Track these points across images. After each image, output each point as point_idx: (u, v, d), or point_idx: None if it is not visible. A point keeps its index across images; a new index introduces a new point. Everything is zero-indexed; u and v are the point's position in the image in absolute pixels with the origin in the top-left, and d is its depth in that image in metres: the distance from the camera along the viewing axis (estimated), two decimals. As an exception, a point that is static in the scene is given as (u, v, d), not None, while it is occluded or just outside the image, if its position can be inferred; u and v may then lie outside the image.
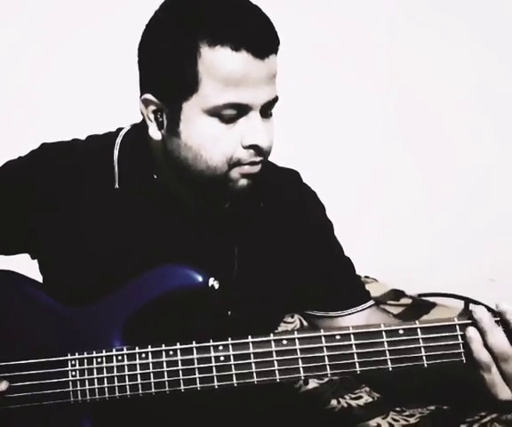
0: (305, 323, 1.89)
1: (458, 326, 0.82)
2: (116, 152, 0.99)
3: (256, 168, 0.91)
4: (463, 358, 0.82)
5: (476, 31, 2.05)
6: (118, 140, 1.00)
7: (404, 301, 2.16)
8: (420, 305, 2.12)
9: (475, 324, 0.81)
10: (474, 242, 2.12)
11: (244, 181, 0.91)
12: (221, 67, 0.84)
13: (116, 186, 0.97)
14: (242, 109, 0.87)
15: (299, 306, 1.10)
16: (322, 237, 1.07)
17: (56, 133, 1.66)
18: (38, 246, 1.02)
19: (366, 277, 2.36)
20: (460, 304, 2.12)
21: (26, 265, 1.07)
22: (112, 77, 1.80)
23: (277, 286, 1.03)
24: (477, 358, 0.80)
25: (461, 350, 0.81)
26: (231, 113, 0.86)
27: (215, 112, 0.86)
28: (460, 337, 0.82)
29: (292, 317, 1.89)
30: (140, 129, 0.98)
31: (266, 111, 0.90)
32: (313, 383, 1.57)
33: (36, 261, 1.05)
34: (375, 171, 2.45)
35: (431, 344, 0.82)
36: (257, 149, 0.89)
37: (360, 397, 1.58)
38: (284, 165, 1.10)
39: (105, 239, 0.98)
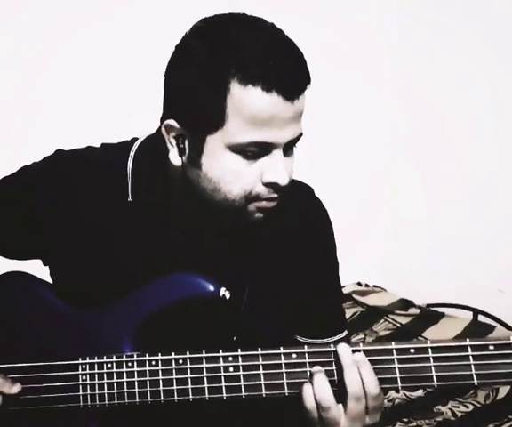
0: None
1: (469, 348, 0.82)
2: (129, 164, 0.98)
3: (273, 204, 0.90)
4: (474, 381, 0.81)
5: (486, 36, 2.05)
6: (132, 151, 0.99)
7: (412, 311, 2.16)
8: (429, 315, 2.11)
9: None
10: (483, 252, 2.11)
11: (259, 215, 0.91)
12: (250, 106, 0.83)
13: (130, 199, 0.97)
14: (265, 148, 0.86)
15: (289, 329, 1.09)
16: (328, 263, 1.07)
17: (55, 133, 1.68)
18: (50, 253, 1.02)
19: (375, 286, 2.35)
20: (469, 315, 2.12)
21: (38, 268, 1.08)
22: (112, 78, 1.81)
23: (286, 309, 1.03)
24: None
25: (472, 372, 0.81)
26: (254, 150, 0.86)
27: (239, 149, 0.85)
28: (471, 358, 0.81)
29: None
30: (155, 143, 0.96)
31: (289, 147, 0.89)
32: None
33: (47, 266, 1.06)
34: (383, 180, 2.45)
35: (442, 364, 0.82)
36: (276, 186, 0.88)
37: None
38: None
39: (116, 250, 0.98)
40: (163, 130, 0.90)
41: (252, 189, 0.88)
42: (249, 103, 0.83)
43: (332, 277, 1.08)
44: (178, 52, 0.89)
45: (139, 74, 1.81)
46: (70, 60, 1.81)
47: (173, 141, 0.90)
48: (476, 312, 2.11)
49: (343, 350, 0.83)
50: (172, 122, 0.89)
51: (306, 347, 0.85)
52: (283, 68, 0.83)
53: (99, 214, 0.98)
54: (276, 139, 0.85)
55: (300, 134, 0.90)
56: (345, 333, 1.07)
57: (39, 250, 1.04)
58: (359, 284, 2.34)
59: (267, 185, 0.88)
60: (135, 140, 1.02)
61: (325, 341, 1.05)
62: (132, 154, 0.99)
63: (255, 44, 0.84)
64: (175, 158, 0.91)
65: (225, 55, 0.83)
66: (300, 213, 1.04)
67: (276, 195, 0.89)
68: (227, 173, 0.86)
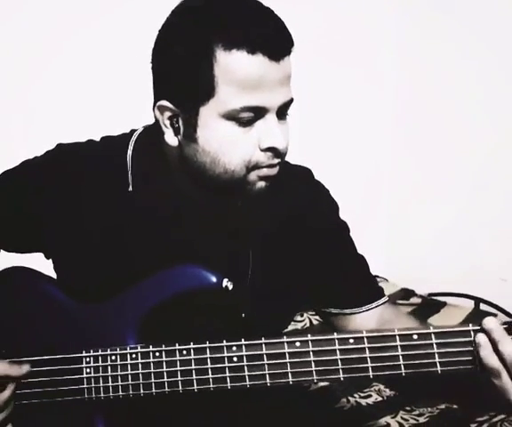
0: (314, 322, 1.90)
1: (472, 333, 0.82)
2: (128, 155, 0.99)
3: (274, 170, 0.91)
4: (477, 365, 0.82)
5: (488, 37, 2.04)
6: (131, 142, 1.00)
7: (414, 300, 2.16)
8: (431, 305, 2.11)
9: (485, 332, 0.81)
10: (485, 241, 2.11)
11: (261, 184, 0.91)
12: (237, 70, 0.84)
13: (130, 189, 0.98)
14: (258, 112, 0.87)
15: (314, 304, 1.11)
16: (336, 236, 1.07)
17: (55, 132, 1.67)
18: (52, 247, 1.03)
19: (376, 276, 2.35)
20: (471, 304, 2.12)
21: (40, 262, 1.08)
22: (111, 78, 1.80)
23: (292, 286, 1.03)
24: (488, 365, 0.80)
25: (475, 357, 0.81)
26: (248, 116, 0.86)
27: (232, 116, 0.86)
28: (473, 344, 0.82)
29: (302, 315, 1.89)
30: (152, 131, 0.97)
31: (282, 113, 0.90)
32: (322, 382, 1.58)
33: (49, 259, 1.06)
34: (384, 170, 2.45)
35: (445, 350, 0.82)
36: (275, 151, 0.89)
37: (369, 395, 1.59)
38: (293, 162, 1.09)
39: (118, 241, 0.98)
40: (156, 113, 0.91)
41: (251, 157, 0.88)
42: (236, 68, 0.84)
43: (349, 247, 1.09)
44: (161, 33, 0.90)
45: (138, 73, 1.81)
46: (70, 59, 1.80)
47: (167, 122, 0.91)
48: (478, 301, 2.11)
49: (491, 322, 0.81)
50: (163, 102, 0.89)
51: (309, 335, 0.85)
52: (265, 30, 0.85)
53: (100, 207, 0.98)
54: (267, 102, 0.86)
55: (291, 99, 0.90)
56: (383, 299, 1.07)
57: (41, 244, 1.04)
58: (361, 274, 2.35)
59: (265, 151, 0.88)
60: (134, 131, 1.03)
61: (363, 309, 1.05)
62: (131, 145, 1.00)
63: (236, 11, 0.85)
64: (171, 139, 0.91)
65: (207, 25, 0.85)
66: (300, 192, 1.05)
67: (276, 160, 0.90)
68: (223, 143, 0.87)
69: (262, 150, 0.88)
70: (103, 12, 1.81)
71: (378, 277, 2.35)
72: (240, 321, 0.97)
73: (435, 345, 0.82)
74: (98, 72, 1.81)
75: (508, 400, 0.80)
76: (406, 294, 2.20)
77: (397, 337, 0.83)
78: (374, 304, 1.06)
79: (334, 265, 1.05)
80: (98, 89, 1.80)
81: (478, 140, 2.11)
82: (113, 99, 1.80)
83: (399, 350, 0.83)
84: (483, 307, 2.10)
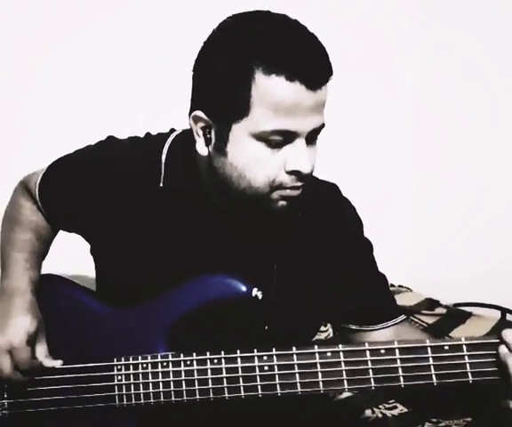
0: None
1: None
2: (164, 154, 1.02)
3: (297, 192, 0.93)
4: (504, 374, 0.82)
5: (505, 50, 2.03)
6: (167, 143, 1.03)
7: (438, 310, 2.13)
8: (456, 315, 2.08)
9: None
10: (511, 250, 2.09)
11: (283, 203, 0.93)
12: (274, 95, 0.85)
13: (161, 185, 1.00)
14: (289, 136, 0.88)
15: (334, 320, 1.13)
16: (360, 254, 1.08)
17: (54, 134, 1.69)
18: (93, 237, 1.07)
19: (400, 286, 2.34)
20: (497, 314, 2.09)
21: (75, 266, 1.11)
22: (110, 78, 1.82)
23: (315, 300, 1.04)
24: None
25: (501, 367, 0.82)
26: (278, 139, 0.88)
27: (263, 137, 0.88)
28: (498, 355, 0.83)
29: (325, 326, 1.89)
30: (187, 136, 1.00)
31: (312, 137, 0.91)
32: (347, 393, 1.56)
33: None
34: (407, 180, 2.43)
35: (476, 361, 0.82)
36: (299, 174, 0.90)
37: (395, 407, 1.58)
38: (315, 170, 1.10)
39: (147, 238, 1.01)
40: (190, 121, 0.94)
41: (276, 177, 0.90)
42: (273, 92, 0.85)
43: (370, 265, 1.10)
44: (206, 46, 0.92)
45: (140, 74, 1.83)
46: (70, 59, 1.81)
47: (200, 132, 0.93)
48: (505, 311, 2.08)
49: (509, 335, 0.83)
50: (199, 113, 0.92)
51: (340, 346, 0.86)
52: (305, 58, 0.86)
53: (134, 202, 1.01)
54: (298, 127, 0.88)
55: (323, 125, 0.92)
56: (400, 317, 1.09)
57: (85, 232, 1.08)
58: (384, 284, 2.34)
59: (290, 173, 0.90)
60: (173, 131, 1.06)
61: (379, 326, 1.07)
62: (167, 145, 1.03)
63: (279, 35, 0.87)
64: (202, 148, 0.94)
65: (250, 46, 0.86)
66: (327, 208, 1.06)
67: (299, 183, 0.92)
68: (251, 161, 0.89)
69: (287, 172, 0.90)
70: (103, 12, 1.82)
71: (402, 286, 2.34)
72: (262, 333, 0.97)
73: (466, 356, 0.82)
74: (97, 73, 1.82)
75: None
76: (431, 304, 2.17)
77: (429, 348, 0.83)
78: (391, 322, 1.08)
79: (357, 283, 1.07)
80: (100, 89, 1.82)
81: (505, 147, 2.09)
82: (115, 98, 1.81)
83: (430, 360, 0.83)
84: (509, 317, 2.07)
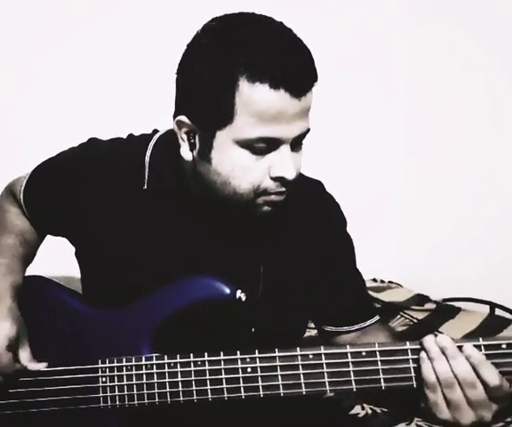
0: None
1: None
2: (147, 155, 1.02)
3: (281, 197, 0.93)
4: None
5: (498, 43, 2.04)
6: (150, 145, 1.03)
7: (428, 306, 2.15)
8: (445, 311, 2.10)
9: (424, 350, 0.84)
10: (500, 245, 2.09)
11: (267, 208, 0.93)
12: (258, 103, 0.85)
13: (145, 187, 1.00)
14: (273, 143, 0.88)
15: (315, 320, 1.12)
16: (343, 252, 1.08)
17: (55, 134, 1.69)
18: (75, 239, 1.07)
19: (390, 282, 2.35)
20: (486, 309, 2.11)
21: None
22: (114, 78, 1.82)
23: (302, 299, 1.04)
24: (425, 378, 0.83)
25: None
26: (262, 146, 0.88)
27: (247, 144, 0.87)
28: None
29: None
30: (171, 137, 0.99)
31: (297, 143, 0.91)
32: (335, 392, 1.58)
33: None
34: (397, 175, 2.44)
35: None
36: (284, 180, 0.90)
37: (384, 402, 1.59)
38: (305, 168, 1.10)
39: (131, 240, 1.01)
40: (174, 126, 0.93)
41: (261, 184, 0.90)
42: (257, 100, 0.85)
43: (351, 265, 1.10)
44: (189, 50, 0.91)
45: (139, 75, 1.84)
46: (69, 59, 1.82)
47: (184, 137, 0.93)
48: (493, 306, 2.09)
49: (428, 342, 0.84)
50: (183, 118, 0.91)
51: (322, 348, 0.86)
52: (290, 65, 0.85)
53: (117, 204, 1.01)
54: (283, 134, 0.87)
55: (308, 130, 0.91)
56: (375, 318, 1.09)
57: (68, 234, 1.08)
58: (374, 280, 2.34)
59: (274, 179, 0.90)
60: (156, 132, 1.06)
61: (355, 327, 1.07)
62: (151, 145, 1.03)
63: (263, 42, 0.86)
64: (186, 153, 0.93)
65: (234, 53, 0.85)
66: (311, 207, 1.06)
67: (283, 189, 0.91)
68: (235, 168, 0.88)
69: (272, 178, 0.90)
70: (103, 12, 1.82)
71: (392, 282, 2.35)
72: (250, 335, 0.98)
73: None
74: (99, 74, 1.83)
75: (435, 413, 0.83)
76: (421, 299, 2.19)
77: (409, 351, 0.84)
78: (368, 322, 1.09)
79: (339, 283, 1.07)
80: (97, 89, 1.82)
81: (494, 141, 2.09)
82: (113, 102, 1.82)
83: (410, 362, 0.84)
84: (498, 312, 2.08)
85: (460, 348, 0.82)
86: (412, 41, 2.33)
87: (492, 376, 0.81)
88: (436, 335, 0.84)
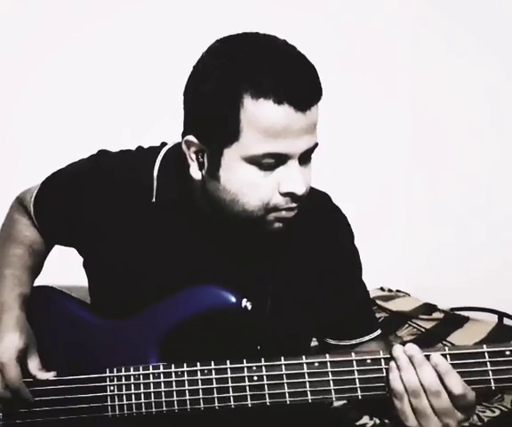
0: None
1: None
2: (156, 168, 1.03)
3: (292, 213, 0.93)
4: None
5: (502, 45, 2.04)
6: (159, 157, 1.04)
7: (436, 315, 2.14)
8: (453, 320, 2.09)
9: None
10: (508, 254, 2.09)
11: (278, 225, 0.93)
12: (263, 119, 0.85)
13: (153, 200, 1.01)
14: (281, 158, 0.88)
15: (317, 332, 1.12)
16: (348, 265, 1.08)
17: (54, 134, 1.70)
18: (84, 250, 1.08)
19: (398, 291, 2.34)
20: (494, 318, 2.10)
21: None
22: (115, 84, 1.83)
23: (308, 312, 1.05)
24: (393, 387, 0.85)
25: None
26: (270, 162, 0.88)
27: (254, 160, 0.88)
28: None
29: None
30: (180, 150, 0.99)
31: (305, 157, 0.91)
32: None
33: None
34: (405, 185, 2.44)
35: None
36: (294, 196, 0.90)
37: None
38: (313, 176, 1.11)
39: (140, 251, 1.01)
40: (183, 146, 0.94)
41: (270, 200, 0.90)
42: (262, 116, 0.85)
43: (356, 278, 1.10)
44: (194, 71, 0.93)
45: (139, 79, 1.85)
46: (69, 59, 1.83)
47: (193, 156, 0.94)
48: (502, 315, 2.08)
49: (396, 351, 0.85)
50: (191, 137, 0.92)
51: (328, 356, 0.87)
52: (293, 80, 0.86)
53: (126, 218, 1.02)
54: (290, 149, 0.88)
55: (316, 144, 0.92)
56: (376, 332, 1.09)
57: (77, 245, 1.09)
58: (382, 289, 2.33)
59: (284, 195, 0.90)
60: (164, 145, 1.07)
61: (356, 341, 1.07)
62: (159, 158, 1.04)
63: (266, 59, 0.87)
64: (196, 173, 0.94)
65: (238, 71, 0.86)
66: (318, 220, 1.06)
67: (294, 204, 0.92)
68: (244, 185, 0.89)
69: (281, 194, 0.90)
70: (103, 13, 1.84)
71: (400, 291, 2.34)
72: (256, 352, 0.97)
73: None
74: (100, 79, 1.84)
75: (403, 421, 0.85)
76: (428, 308, 2.18)
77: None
78: (367, 338, 1.08)
79: (339, 296, 1.06)
80: (98, 91, 1.83)
81: (503, 148, 2.09)
82: (112, 99, 1.83)
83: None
84: (506, 321, 2.07)
85: (427, 357, 0.84)
86: (416, 43, 2.32)
87: (457, 385, 0.82)
88: (404, 344, 0.86)
